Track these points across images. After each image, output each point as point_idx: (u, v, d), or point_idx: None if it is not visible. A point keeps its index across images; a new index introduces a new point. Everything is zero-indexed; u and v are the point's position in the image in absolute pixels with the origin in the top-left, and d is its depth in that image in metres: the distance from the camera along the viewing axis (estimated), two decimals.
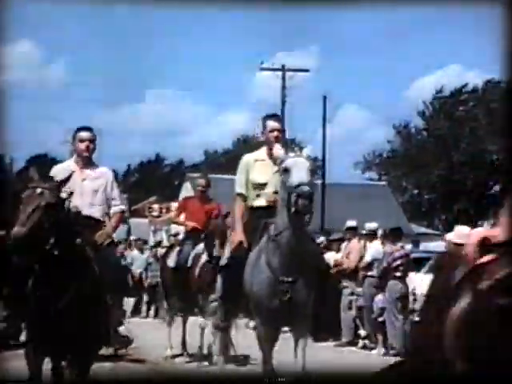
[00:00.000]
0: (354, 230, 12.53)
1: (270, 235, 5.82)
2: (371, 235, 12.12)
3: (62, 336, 5.12)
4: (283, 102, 31.65)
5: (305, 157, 5.88)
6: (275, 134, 6.36)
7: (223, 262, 6.72)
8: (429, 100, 44.10)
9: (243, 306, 6.14)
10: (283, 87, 31.79)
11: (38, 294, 5.17)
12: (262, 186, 6.32)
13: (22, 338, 5.94)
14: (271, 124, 6.42)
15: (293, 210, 5.49)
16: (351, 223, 12.61)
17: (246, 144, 61.04)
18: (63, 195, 5.29)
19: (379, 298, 11.31)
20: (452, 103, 43.19)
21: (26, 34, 78.48)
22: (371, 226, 12.27)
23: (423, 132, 44.92)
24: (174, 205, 21.08)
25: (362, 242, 12.28)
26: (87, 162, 6.25)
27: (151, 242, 19.20)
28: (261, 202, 6.32)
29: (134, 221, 22.64)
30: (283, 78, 31.90)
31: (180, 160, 68.56)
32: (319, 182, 26.96)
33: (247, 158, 6.51)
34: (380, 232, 12.42)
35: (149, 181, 59.63)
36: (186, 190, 44.07)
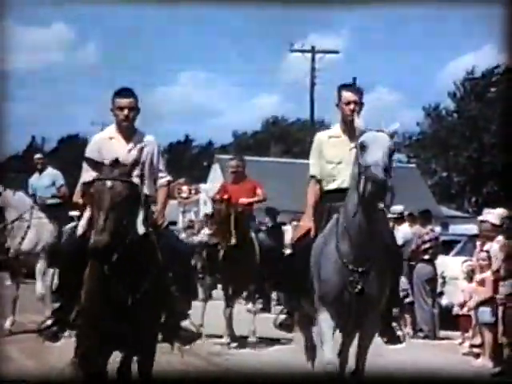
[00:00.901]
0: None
1: (339, 219, 5.22)
2: (399, 218, 12.09)
3: (132, 331, 4.78)
4: (312, 84, 31.53)
5: (388, 133, 5.08)
6: (351, 106, 5.52)
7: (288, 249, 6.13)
8: (460, 81, 43.66)
9: (308, 298, 5.50)
10: (313, 69, 31.66)
11: (108, 288, 4.76)
12: (337, 165, 5.61)
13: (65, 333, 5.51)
14: (347, 95, 5.55)
15: (361, 193, 4.95)
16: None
17: (275, 126, 61.02)
18: (135, 180, 4.75)
19: (402, 280, 11.30)
20: (484, 85, 42.70)
21: (61, 17, 79.07)
22: (397, 208, 12.24)
23: (454, 114, 44.51)
24: (203, 186, 21.17)
25: (391, 224, 12.26)
26: (130, 131, 5.40)
27: (180, 223, 19.34)
28: (335, 184, 5.63)
29: None
30: (313, 60, 31.75)
31: (209, 141, 68.71)
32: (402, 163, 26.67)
33: (320, 136, 5.76)
34: (406, 214, 12.38)
35: (178, 162, 59.89)
36: (215, 172, 44.28)
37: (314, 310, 5.41)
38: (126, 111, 5.31)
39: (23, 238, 9.90)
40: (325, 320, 5.24)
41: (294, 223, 14.88)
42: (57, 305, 5.41)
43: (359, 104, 5.54)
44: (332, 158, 5.60)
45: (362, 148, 4.97)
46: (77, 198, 9.51)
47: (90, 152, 5.24)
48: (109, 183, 4.53)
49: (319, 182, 5.69)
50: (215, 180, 42.38)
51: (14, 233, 9.97)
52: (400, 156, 45.72)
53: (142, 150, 4.97)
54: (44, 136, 71.80)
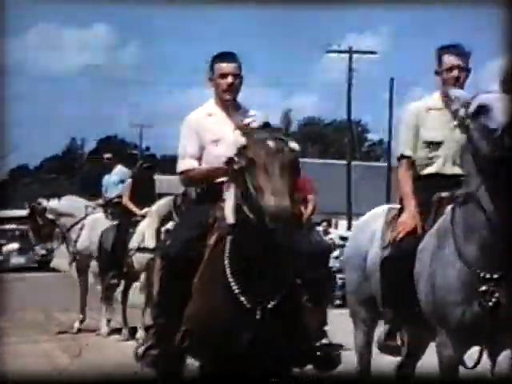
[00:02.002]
0: None
1: (454, 214, 4.06)
2: None
3: (267, 349, 3.66)
4: (349, 85, 31.43)
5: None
6: (455, 72, 4.45)
7: (386, 252, 4.52)
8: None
9: (414, 316, 4.26)
10: (350, 69, 31.56)
11: (243, 291, 3.66)
12: (437, 145, 4.52)
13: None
14: (450, 59, 4.48)
15: (493, 174, 3.78)
16: None
17: (312, 126, 60.93)
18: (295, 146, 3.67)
19: None
20: None
21: (102, 18, 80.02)
22: None
23: None
24: None
25: None
26: (233, 105, 4.35)
27: None
28: (434, 167, 4.54)
29: None
30: (350, 60, 31.65)
31: None
32: None
33: (417, 106, 4.64)
34: None
35: None
36: None
37: (423, 327, 4.27)
38: (230, 78, 4.28)
39: (77, 239, 10.00)
40: (445, 343, 4.04)
41: (324, 224, 14.82)
42: (159, 322, 4.15)
43: (465, 69, 4.47)
44: (431, 137, 4.52)
45: (481, 111, 3.85)
46: (126, 200, 9.71)
47: (185, 137, 4.33)
48: (275, 144, 3.56)
49: (412, 163, 4.56)
50: None
51: (71, 235, 10.12)
52: None
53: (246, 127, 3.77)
54: (83, 137, 72.83)
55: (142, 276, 8.68)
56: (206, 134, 4.29)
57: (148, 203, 9.20)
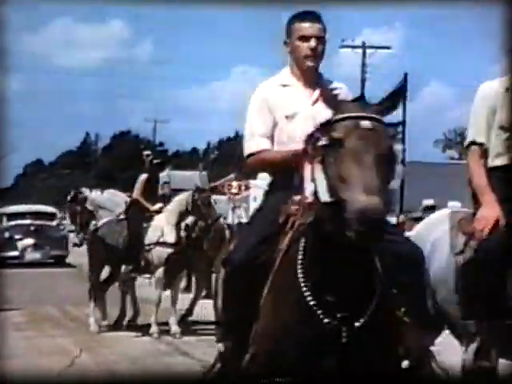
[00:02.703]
0: (432, 209, 12.42)
1: None
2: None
3: (355, 378, 2.95)
4: (363, 80, 31.35)
5: None
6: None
7: (463, 257, 3.90)
8: None
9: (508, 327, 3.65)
10: (363, 64, 31.48)
11: (322, 306, 2.94)
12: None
13: None
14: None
15: None
16: (428, 202, 12.51)
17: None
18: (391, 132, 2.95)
19: None
20: None
21: (118, 14, 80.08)
22: (429, 202, 12.08)
23: None
24: (253, 182, 21.30)
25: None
26: (314, 75, 3.63)
27: (230, 219, 19.49)
28: (507, 159, 3.88)
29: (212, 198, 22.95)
30: (364, 55, 31.58)
31: None
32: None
33: (491, 86, 3.94)
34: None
35: (228, 158, 60.10)
36: None
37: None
38: (313, 42, 3.52)
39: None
40: None
41: None
42: (226, 344, 3.52)
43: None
44: (509, 122, 3.84)
45: None
46: (137, 194, 9.70)
47: (254, 113, 3.61)
48: (370, 124, 2.81)
49: (485, 151, 3.92)
50: (265, 176, 42.38)
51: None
52: (450, 152, 45.27)
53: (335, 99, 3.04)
54: (98, 133, 73.07)
55: (160, 270, 8.74)
56: (278, 109, 3.54)
57: (157, 199, 9.29)
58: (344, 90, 3.59)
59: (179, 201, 8.99)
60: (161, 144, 54.59)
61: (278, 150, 3.52)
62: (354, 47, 32.14)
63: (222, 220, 10.60)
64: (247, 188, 24.62)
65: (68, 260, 19.78)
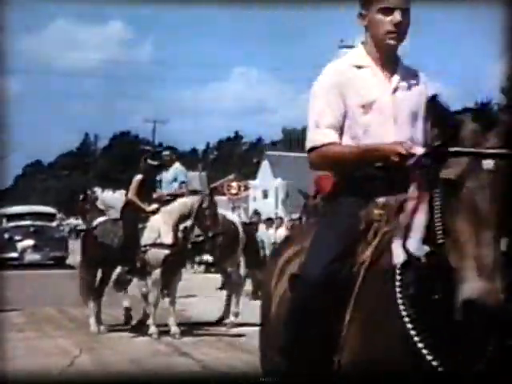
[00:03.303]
0: None
1: None
2: None
3: None
4: None
5: None
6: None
7: None
8: None
9: None
10: None
11: (430, 345, 2.41)
12: None
13: None
14: None
15: None
16: None
17: None
18: None
19: None
20: None
21: (118, 15, 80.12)
22: None
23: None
24: (252, 183, 21.34)
25: None
26: (394, 57, 3.00)
27: None
28: None
29: None
30: None
31: (258, 138, 68.90)
32: None
33: None
34: None
35: (227, 159, 60.18)
36: (264, 168, 44.45)
37: None
38: (397, 15, 2.89)
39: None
40: None
41: None
42: (282, 369, 2.94)
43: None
44: None
45: None
46: (132, 195, 9.71)
47: (320, 99, 2.96)
48: (492, 165, 2.20)
49: None
50: (265, 177, 42.56)
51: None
52: None
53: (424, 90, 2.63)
54: (97, 133, 73.09)
55: (157, 272, 8.76)
56: (352, 95, 2.93)
57: (152, 200, 9.27)
58: (431, 84, 3.03)
59: (182, 203, 8.93)
60: (160, 144, 54.60)
61: (349, 145, 2.91)
62: (352, 47, 32.10)
63: (236, 218, 10.44)
64: (247, 188, 24.70)
65: (68, 261, 19.79)
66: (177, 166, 10.24)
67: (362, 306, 2.59)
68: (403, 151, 2.58)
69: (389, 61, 2.98)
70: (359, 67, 2.99)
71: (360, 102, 2.91)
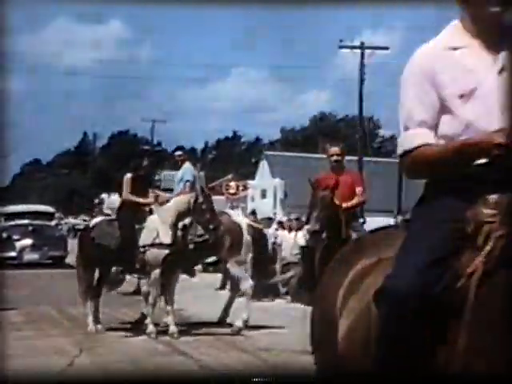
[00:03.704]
0: None
1: None
2: None
3: None
4: (362, 80, 31.36)
5: None
6: None
7: None
8: None
9: None
10: (362, 65, 31.48)
11: None
12: None
13: None
14: None
15: None
16: None
17: (323, 122, 60.82)
18: None
19: None
20: None
21: (117, 14, 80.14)
22: None
23: None
24: (251, 183, 21.35)
25: None
26: (498, 28, 2.47)
27: None
28: None
29: None
30: (362, 56, 31.59)
31: (257, 138, 68.91)
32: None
33: None
34: None
35: (226, 158, 60.17)
36: (263, 168, 44.43)
37: None
38: None
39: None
40: None
41: None
42: None
43: None
44: None
45: None
46: (126, 194, 9.72)
47: (410, 91, 2.50)
48: None
49: None
50: (263, 176, 42.56)
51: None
52: None
53: None
54: (95, 132, 73.02)
55: (157, 271, 8.76)
56: (448, 84, 2.44)
57: (148, 197, 9.28)
58: None
59: (178, 201, 8.95)
60: (159, 144, 54.65)
61: (443, 144, 2.43)
62: (352, 47, 32.14)
63: (243, 220, 10.36)
64: (245, 188, 24.70)
65: (67, 260, 19.78)
66: (187, 165, 10.30)
67: (474, 326, 2.14)
68: (503, 141, 2.17)
69: (493, 35, 2.43)
70: (455, 48, 2.47)
71: (458, 91, 2.41)
